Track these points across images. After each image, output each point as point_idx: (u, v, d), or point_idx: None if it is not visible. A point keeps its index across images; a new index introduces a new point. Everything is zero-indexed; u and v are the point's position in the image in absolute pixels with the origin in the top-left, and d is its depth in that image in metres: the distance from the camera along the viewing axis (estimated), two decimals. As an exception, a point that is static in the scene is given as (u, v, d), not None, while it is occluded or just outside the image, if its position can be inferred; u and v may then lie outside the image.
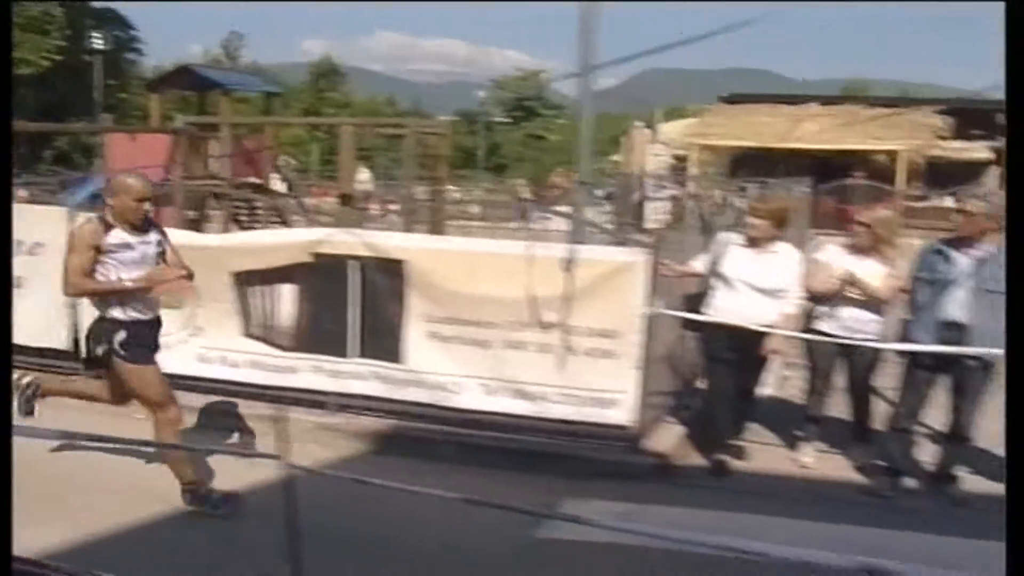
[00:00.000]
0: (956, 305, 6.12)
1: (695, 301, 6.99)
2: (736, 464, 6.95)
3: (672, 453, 6.99)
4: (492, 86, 52.38)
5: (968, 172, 30.24)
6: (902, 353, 6.52)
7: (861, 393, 6.97)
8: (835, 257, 6.83)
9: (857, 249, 6.76)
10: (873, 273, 6.58)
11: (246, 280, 7.63)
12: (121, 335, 5.62)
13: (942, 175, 29.91)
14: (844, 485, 6.66)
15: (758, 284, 6.59)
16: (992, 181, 30.34)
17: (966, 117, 30.34)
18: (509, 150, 46.55)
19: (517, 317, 6.78)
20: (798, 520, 5.87)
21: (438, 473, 6.30)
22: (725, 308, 6.66)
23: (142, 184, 5.71)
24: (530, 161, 39.87)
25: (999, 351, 6.13)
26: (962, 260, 6.16)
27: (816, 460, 7.03)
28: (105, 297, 5.63)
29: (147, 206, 5.69)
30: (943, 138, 29.52)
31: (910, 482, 6.53)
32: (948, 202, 28.58)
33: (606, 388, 6.74)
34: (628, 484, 6.45)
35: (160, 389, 5.75)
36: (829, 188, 27.54)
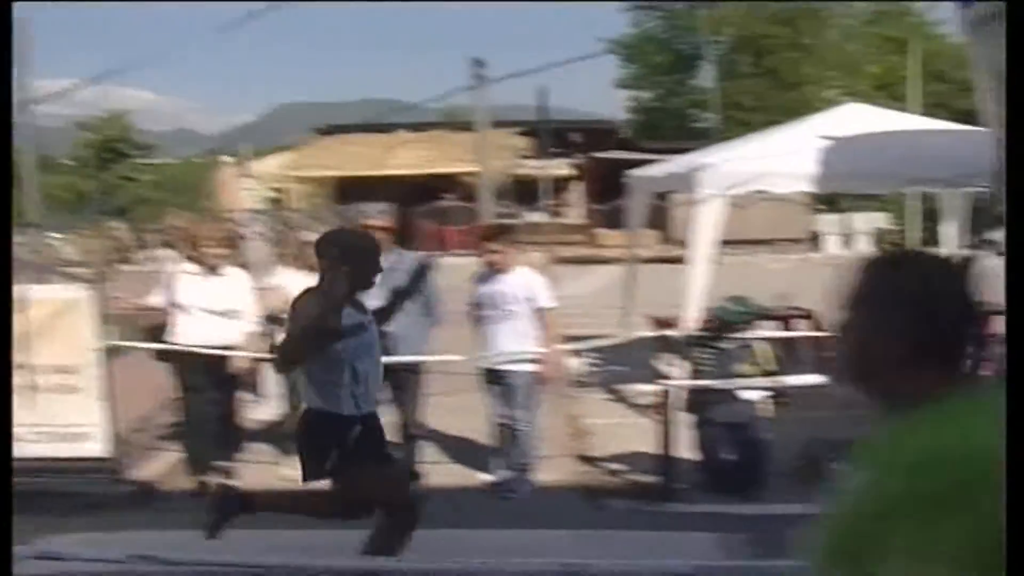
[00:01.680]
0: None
1: (161, 332, 7.20)
2: (224, 483, 7.21)
3: (158, 480, 7.19)
4: (75, 127, 50.21)
5: (553, 187, 32.55)
6: None
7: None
8: (288, 279, 7.28)
9: (312, 268, 7.24)
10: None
11: None
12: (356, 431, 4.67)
13: (529, 192, 32.03)
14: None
15: (213, 307, 6.94)
16: (575, 195, 32.88)
17: (545, 136, 32.60)
18: (123, 192, 45.02)
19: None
20: (276, 530, 6.20)
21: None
22: (186, 335, 6.93)
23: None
24: (148, 203, 38.86)
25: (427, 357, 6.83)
26: None
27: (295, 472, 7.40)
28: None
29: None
30: (525, 157, 31.58)
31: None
32: (537, 217, 30.76)
33: (75, 423, 6.83)
34: (110, 514, 6.53)
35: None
36: (423, 211, 28.83)
